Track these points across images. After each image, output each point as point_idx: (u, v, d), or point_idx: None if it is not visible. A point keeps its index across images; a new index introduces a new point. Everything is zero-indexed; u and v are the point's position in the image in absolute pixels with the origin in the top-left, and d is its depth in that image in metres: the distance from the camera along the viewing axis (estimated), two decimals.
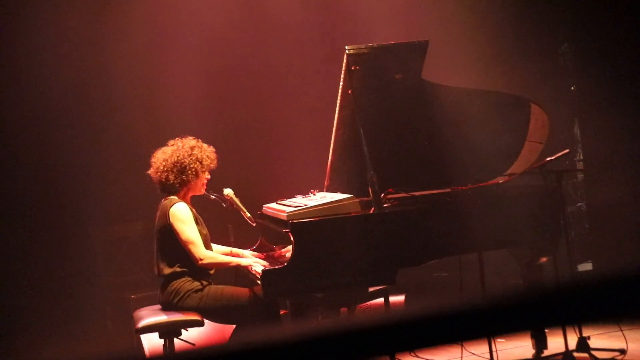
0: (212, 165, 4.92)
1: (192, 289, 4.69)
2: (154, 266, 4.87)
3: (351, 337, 1.20)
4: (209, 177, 4.95)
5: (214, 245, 5.00)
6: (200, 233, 4.77)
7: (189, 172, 4.82)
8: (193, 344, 4.66)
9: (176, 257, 4.73)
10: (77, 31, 7.03)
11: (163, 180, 4.83)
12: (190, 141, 4.92)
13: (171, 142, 4.94)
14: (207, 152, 4.91)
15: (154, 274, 4.91)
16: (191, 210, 4.81)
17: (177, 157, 4.82)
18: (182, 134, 4.99)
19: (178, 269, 4.72)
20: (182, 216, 4.73)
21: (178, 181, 4.82)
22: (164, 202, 4.85)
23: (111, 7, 7.11)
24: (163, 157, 4.86)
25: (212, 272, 4.85)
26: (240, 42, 7.44)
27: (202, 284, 4.73)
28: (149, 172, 4.91)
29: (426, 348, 5.30)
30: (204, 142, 4.97)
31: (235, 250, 5.10)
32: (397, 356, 4.60)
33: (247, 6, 7.43)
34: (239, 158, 7.01)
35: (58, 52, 7.01)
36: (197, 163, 4.84)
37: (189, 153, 4.84)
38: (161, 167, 4.83)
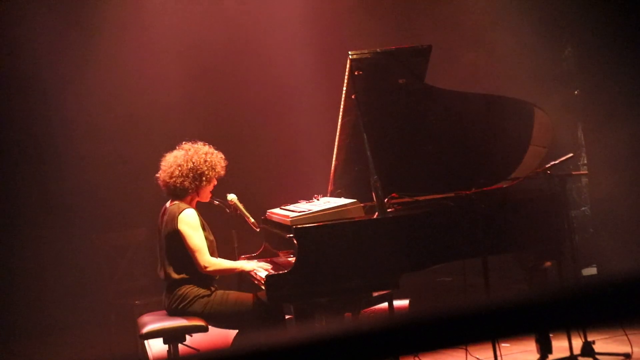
0: (222, 172, 4.91)
1: (199, 295, 4.69)
2: (159, 269, 4.86)
3: (355, 341, 1.20)
4: (215, 183, 4.94)
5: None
6: (207, 239, 4.75)
7: (204, 178, 4.81)
8: (197, 350, 4.66)
9: (184, 263, 4.72)
10: (80, 35, 7.05)
11: (178, 185, 4.78)
12: (204, 147, 4.90)
13: (184, 146, 4.91)
14: (218, 159, 4.90)
15: (159, 278, 4.90)
16: (198, 216, 4.81)
17: (194, 163, 4.79)
18: (186, 140, 4.97)
19: (186, 275, 4.72)
20: (191, 222, 4.71)
21: (192, 187, 4.80)
22: (171, 207, 4.82)
23: (107, 8, 7.13)
24: (177, 162, 4.82)
25: (217, 277, 4.85)
26: (244, 47, 7.45)
27: (209, 290, 4.73)
28: (159, 174, 4.88)
29: (430, 351, 5.29)
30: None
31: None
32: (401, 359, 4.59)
33: (251, 10, 7.44)
34: (242, 163, 7.01)
35: (60, 54, 7.03)
36: (211, 170, 4.83)
37: (204, 159, 4.82)
38: (176, 172, 4.79)
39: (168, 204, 4.89)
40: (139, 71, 7.18)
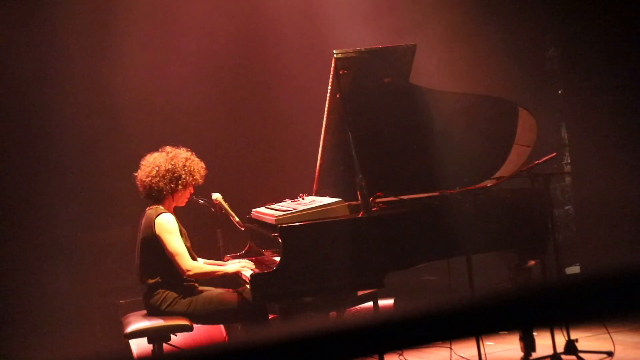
0: (200, 180, 4.90)
1: (179, 296, 4.67)
2: (137, 274, 4.84)
3: (339, 338, 1.21)
4: (192, 191, 4.93)
5: (200, 260, 4.94)
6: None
7: (180, 182, 4.79)
8: (181, 349, 4.64)
9: (160, 268, 4.70)
10: (72, 32, 7.01)
11: (153, 185, 4.78)
12: (185, 152, 4.90)
13: (165, 149, 4.91)
14: (198, 167, 4.89)
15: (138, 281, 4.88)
16: (177, 222, 4.78)
17: (172, 165, 4.79)
18: (170, 140, 4.97)
19: (160, 279, 4.69)
20: (168, 227, 4.69)
21: (167, 189, 4.78)
22: (149, 211, 4.80)
23: (105, 8, 7.10)
24: (155, 162, 4.81)
25: (196, 284, 4.80)
26: (229, 49, 7.43)
27: (185, 291, 4.70)
28: (137, 174, 4.87)
29: (415, 348, 5.31)
30: (193, 148, 4.96)
31: (219, 262, 5.06)
32: (386, 357, 4.61)
33: (237, 13, 7.42)
34: (227, 162, 7.00)
35: (49, 54, 6.99)
36: (189, 175, 4.82)
37: (183, 164, 4.82)
38: (153, 172, 4.78)
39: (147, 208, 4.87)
40: (126, 73, 7.15)
